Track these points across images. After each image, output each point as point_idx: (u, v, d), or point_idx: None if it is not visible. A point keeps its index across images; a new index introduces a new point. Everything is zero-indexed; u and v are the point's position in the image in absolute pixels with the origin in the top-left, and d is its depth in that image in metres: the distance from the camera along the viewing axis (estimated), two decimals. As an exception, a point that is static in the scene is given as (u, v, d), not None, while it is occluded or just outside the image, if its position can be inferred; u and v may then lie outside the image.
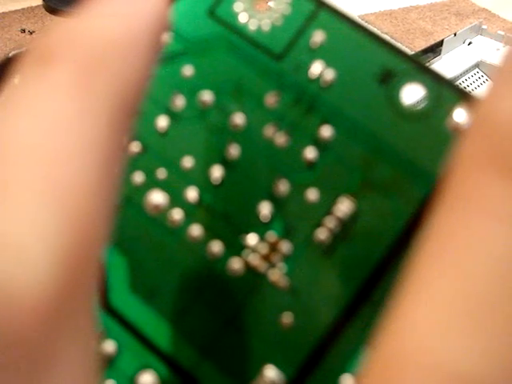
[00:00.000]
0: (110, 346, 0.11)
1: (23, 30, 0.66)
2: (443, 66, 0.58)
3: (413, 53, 0.59)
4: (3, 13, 0.70)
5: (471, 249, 0.06)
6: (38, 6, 0.71)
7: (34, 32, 0.66)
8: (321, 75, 0.11)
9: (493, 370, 0.06)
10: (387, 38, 0.11)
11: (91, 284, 0.07)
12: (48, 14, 0.69)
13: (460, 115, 0.10)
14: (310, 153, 0.11)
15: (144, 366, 0.11)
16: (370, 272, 0.10)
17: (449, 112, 0.10)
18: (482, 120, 0.07)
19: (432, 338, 0.06)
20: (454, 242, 0.07)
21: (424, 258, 0.07)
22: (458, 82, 0.56)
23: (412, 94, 0.11)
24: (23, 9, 0.71)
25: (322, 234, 0.11)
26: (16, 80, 0.07)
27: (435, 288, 0.07)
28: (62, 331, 0.06)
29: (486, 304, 0.06)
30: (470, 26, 0.61)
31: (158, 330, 0.11)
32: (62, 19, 0.08)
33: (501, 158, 0.07)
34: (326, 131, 0.11)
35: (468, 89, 0.56)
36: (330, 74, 0.11)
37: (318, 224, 0.11)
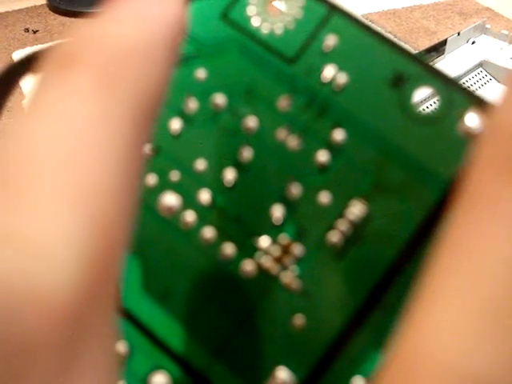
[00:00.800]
0: (122, 347, 0.11)
1: (27, 29, 0.67)
2: (447, 65, 0.58)
3: (416, 52, 0.59)
4: (7, 12, 0.70)
5: (486, 254, 0.07)
6: (41, 5, 0.71)
7: (37, 31, 0.66)
8: (333, 79, 0.11)
9: (509, 372, 0.06)
10: (400, 42, 0.11)
11: (113, 286, 0.07)
12: (52, 13, 0.69)
13: (472, 119, 0.10)
14: (323, 156, 0.11)
15: (156, 367, 0.11)
16: (382, 275, 0.10)
17: (460, 116, 0.10)
18: (495, 127, 0.07)
19: (450, 342, 0.06)
20: (469, 248, 0.07)
21: (441, 263, 0.07)
22: (461, 82, 0.55)
23: (424, 97, 0.11)
24: (27, 8, 0.71)
25: (334, 237, 0.11)
26: (38, 84, 0.07)
27: (453, 293, 0.07)
28: (87, 333, 0.06)
29: (504, 308, 0.06)
30: (474, 25, 0.61)
31: (171, 331, 0.11)
32: (79, 21, 0.08)
33: None
34: (338, 134, 0.11)
35: (472, 88, 0.56)
36: (342, 78, 0.11)
37: (330, 227, 0.11)
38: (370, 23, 0.11)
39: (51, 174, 0.07)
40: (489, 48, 0.60)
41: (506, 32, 0.61)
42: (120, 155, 0.07)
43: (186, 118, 0.12)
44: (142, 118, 0.08)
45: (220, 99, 0.12)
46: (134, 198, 0.07)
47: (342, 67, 0.11)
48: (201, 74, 0.12)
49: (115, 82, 0.07)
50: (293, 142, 0.11)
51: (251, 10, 0.12)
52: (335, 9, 0.11)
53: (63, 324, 0.06)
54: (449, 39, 0.58)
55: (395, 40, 0.11)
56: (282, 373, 0.10)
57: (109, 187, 0.07)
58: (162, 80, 0.08)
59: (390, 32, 0.67)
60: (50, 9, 0.70)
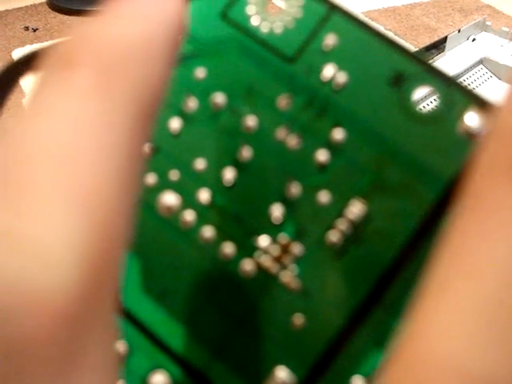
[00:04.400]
0: (121, 347, 0.11)
1: (27, 28, 0.66)
2: (447, 62, 0.58)
3: (417, 49, 0.59)
4: (6, 10, 0.70)
5: (489, 255, 0.07)
6: (41, 4, 0.71)
7: (37, 29, 0.66)
8: (333, 78, 0.11)
9: None
10: (400, 40, 0.11)
11: (113, 287, 0.07)
12: (52, 11, 0.69)
13: (471, 119, 0.10)
14: (322, 155, 0.11)
15: (156, 367, 0.11)
16: (381, 274, 0.10)
17: (460, 115, 0.10)
18: (498, 129, 0.07)
19: (454, 343, 0.06)
20: (475, 249, 0.07)
21: (445, 264, 0.07)
22: (461, 79, 0.55)
23: (424, 97, 0.11)
24: (26, 6, 0.71)
25: (333, 236, 0.11)
26: (37, 84, 0.07)
27: (457, 294, 0.07)
28: (86, 334, 0.06)
29: (505, 309, 0.06)
30: (474, 22, 0.61)
31: (170, 331, 0.11)
32: (79, 20, 0.08)
33: None
34: (338, 134, 0.11)
35: (472, 85, 0.56)
36: (342, 77, 0.11)
37: (330, 226, 0.11)
38: (369, 21, 0.11)
39: (51, 174, 0.07)
40: (489, 45, 0.60)
41: (507, 29, 0.61)
42: (120, 155, 0.07)
43: (186, 118, 0.12)
44: (142, 117, 0.08)
45: (219, 98, 0.12)
46: (133, 198, 0.07)
47: (341, 66, 0.11)
48: (200, 73, 0.12)
49: (114, 81, 0.07)
50: (292, 141, 0.11)
51: (251, 9, 0.12)
52: (335, 8, 0.11)
53: (62, 324, 0.06)
54: (449, 36, 0.58)
55: (395, 38, 0.11)
56: (282, 372, 0.10)
57: (109, 187, 0.07)
58: (162, 79, 0.08)
59: (390, 29, 0.67)
60: (50, 7, 0.70)
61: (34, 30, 0.66)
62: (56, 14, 0.69)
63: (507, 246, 0.06)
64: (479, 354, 0.06)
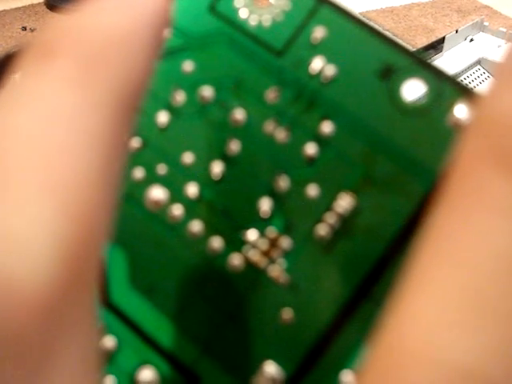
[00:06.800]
0: (109, 342, 0.11)
1: (24, 28, 0.67)
2: (445, 62, 0.58)
3: (414, 50, 0.59)
4: (4, 10, 0.70)
5: (473, 244, 0.06)
6: (39, 4, 0.71)
7: (35, 30, 0.66)
8: (321, 71, 0.11)
9: (495, 364, 0.06)
10: (388, 33, 0.11)
11: (92, 279, 0.07)
12: (49, 11, 0.69)
13: (461, 111, 0.10)
14: (311, 149, 0.11)
15: (144, 362, 0.11)
16: (371, 268, 0.10)
17: (450, 108, 0.10)
18: (483, 117, 0.07)
19: (434, 333, 0.06)
20: (457, 238, 0.07)
21: (426, 253, 0.07)
22: (459, 79, 0.55)
23: (413, 89, 0.11)
24: (24, 6, 0.71)
25: (322, 230, 0.11)
26: (17, 75, 0.07)
27: (437, 283, 0.07)
28: (63, 326, 0.06)
29: (488, 299, 0.06)
30: (472, 22, 0.61)
31: (158, 326, 0.11)
32: (63, 14, 0.08)
33: (502, 154, 0.07)
34: (327, 127, 0.11)
35: (470, 86, 0.56)
36: (330, 70, 0.11)
37: (319, 220, 0.11)
38: (358, 15, 0.11)
39: (27, 165, 0.06)
40: (487, 45, 0.60)
41: (504, 29, 0.61)
42: (99, 145, 0.07)
43: (174, 111, 0.12)
44: (123, 107, 0.07)
45: (207, 92, 0.12)
46: (114, 189, 0.07)
47: (330, 59, 0.11)
48: (188, 66, 0.12)
49: (94, 71, 0.07)
50: (281, 134, 0.11)
51: (239, 2, 0.12)
52: (323, 0, 0.11)
53: (38, 316, 0.06)
54: (447, 37, 0.58)
55: (383, 31, 0.11)
56: (270, 367, 0.10)
57: (87, 178, 0.07)
58: (144, 69, 0.08)
59: (387, 30, 0.67)
60: (48, 7, 0.70)
61: (32, 31, 0.66)
62: (54, 14, 0.69)
63: (491, 234, 0.06)
64: (461, 347, 0.06)
